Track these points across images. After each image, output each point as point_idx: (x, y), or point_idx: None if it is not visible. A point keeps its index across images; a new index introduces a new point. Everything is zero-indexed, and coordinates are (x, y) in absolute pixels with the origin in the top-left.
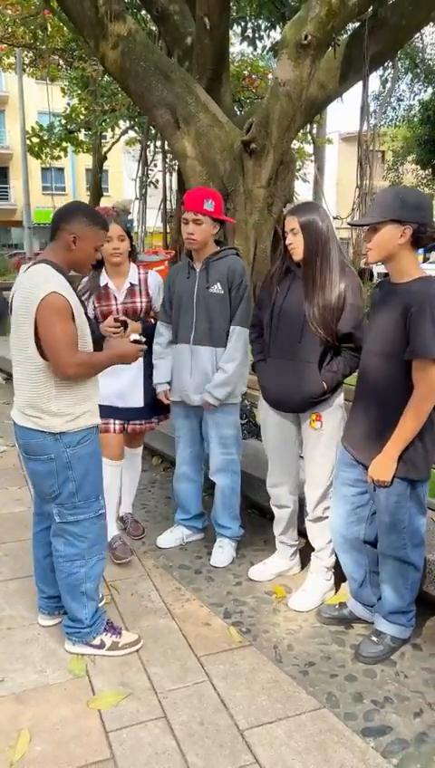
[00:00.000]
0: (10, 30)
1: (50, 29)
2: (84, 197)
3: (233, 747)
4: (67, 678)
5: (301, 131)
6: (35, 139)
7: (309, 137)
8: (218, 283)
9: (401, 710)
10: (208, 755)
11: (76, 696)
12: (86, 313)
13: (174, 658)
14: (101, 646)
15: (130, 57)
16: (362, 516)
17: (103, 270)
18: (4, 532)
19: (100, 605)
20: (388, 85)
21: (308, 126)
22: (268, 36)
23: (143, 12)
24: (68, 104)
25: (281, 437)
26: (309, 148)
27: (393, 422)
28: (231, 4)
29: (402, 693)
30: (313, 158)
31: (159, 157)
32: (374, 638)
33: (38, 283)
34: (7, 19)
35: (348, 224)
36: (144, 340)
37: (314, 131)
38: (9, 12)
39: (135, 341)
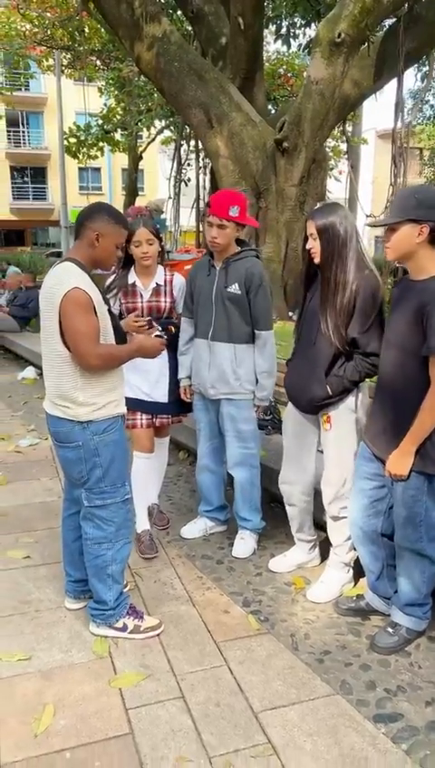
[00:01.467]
0: (49, 32)
1: (87, 31)
2: (120, 197)
3: (247, 728)
4: (91, 658)
5: (335, 129)
6: (73, 140)
7: (343, 135)
8: (236, 284)
9: (413, 699)
10: (223, 734)
11: (99, 674)
12: (110, 311)
13: (193, 643)
14: (124, 629)
15: (164, 58)
16: (379, 510)
17: (133, 269)
18: (35, 520)
19: (124, 590)
20: (424, 82)
21: (342, 124)
22: (304, 34)
23: (179, 12)
24: (105, 104)
25: (299, 436)
26: (344, 146)
27: (410, 417)
28: (265, 3)
29: (415, 682)
30: (350, 155)
31: (193, 156)
32: (390, 630)
33: (61, 279)
34: (46, 22)
35: (366, 224)
36: (166, 336)
37: (350, 129)
38: (48, 14)
39: (158, 336)
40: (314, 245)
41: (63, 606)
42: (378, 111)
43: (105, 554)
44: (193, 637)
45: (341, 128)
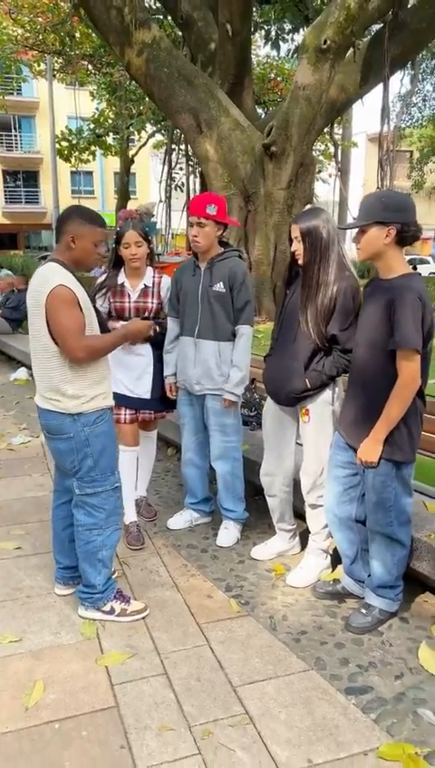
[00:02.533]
0: (41, 37)
1: (78, 35)
2: (112, 200)
3: (226, 700)
4: (79, 640)
5: (323, 133)
6: (65, 144)
7: (331, 138)
8: (221, 283)
9: (384, 673)
10: (203, 706)
11: (86, 654)
12: (95, 307)
13: (177, 625)
14: (111, 612)
15: (154, 63)
16: (353, 496)
17: (123, 270)
18: (27, 513)
19: (113, 576)
20: (409, 86)
21: (329, 127)
22: (292, 39)
23: (169, 17)
24: (97, 109)
25: (278, 429)
26: (338, 151)
27: (380, 408)
28: (254, 9)
29: (386, 659)
30: (337, 159)
31: (184, 160)
32: (363, 611)
33: (47, 278)
34: (38, 26)
35: (338, 227)
36: (154, 317)
37: (340, 133)
38: (40, 20)
39: (145, 318)
40: (298, 248)
41: (53, 592)
42: (368, 115)
43: (96, 540)
44: (177, 619)
45: (329, 132)
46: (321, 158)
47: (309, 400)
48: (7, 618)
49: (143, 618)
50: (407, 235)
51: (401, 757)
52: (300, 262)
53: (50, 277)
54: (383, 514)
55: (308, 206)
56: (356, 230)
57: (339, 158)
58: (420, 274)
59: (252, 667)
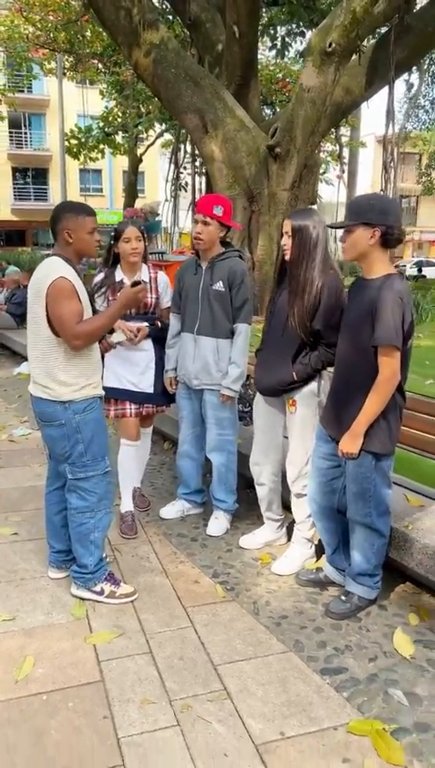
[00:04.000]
0: (52, 35)
1: (89, 34)
2: (121, 198)
3: (206, 677)
4: (69, 620)
5: (331, 134)
6: (74, 141)
7: (336, 140)
8: (221, 282)
9: (359, 656)
10: (184, 682)
11: (76, 633)
12: (92, 302)
13: (164, 608)
14: (101, 593)
15: (161, 64)
16: (335, 488)
17: (119, 267)
18: (24, 501)
19: (105, 559)
20: (414, 89)
21: (335, 130)
22: (300, 42)
23: (178, 17)
24: (106, 107)
25: (267, 421)
26: (343, 152)
27: (361, 402)
28: (261, 12)
29: (362, 643)
30: (341, 160)
31: (190, 160)
32: (343, 597)
33: (49, 271)
34: (49, 25)
35: (327, 226)
36: (143, 280)
37: (348, 134)
38: (51, 18)
39: (134, 283)
40: (288, 243)
41: (47, 576)
42: (378, 117)
43: (88, 522)
44: (164, 602)
45: (339, 133)
46: (329, 159)
47: (297, 391)
48: (2, 598)
49: (132, 601)
50: (391, 237)
51: (370, 732)
52: (287, 257)
53: (52, 269)
54: (363, 505)
55: (305, 207)
56: (343, 230)
57: (344, 160)
58: (402, 275)
59: (233, 648)
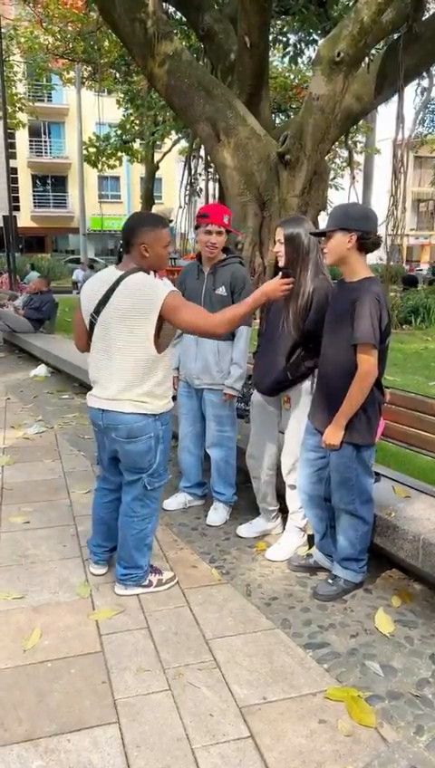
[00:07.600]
0: (71, 46)
1: (107, 43)
2: (138, 205)
3: (197, 650)
4: (75, 599)
5: (345, 140)
6: (92, 149)
7: (347, 146)
8: (223, 287)
9: (341, 633)
10: (177, 654)
11: (80, 610)
12: None
13: None
14: (150, 584)
15: (175, 75)
16: (322, 477)
17: None
18: (37, 494)
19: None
20: (425, 95)
21: (345, 136)
22: (313, 49)
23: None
24: (123, 116)
25: (263, 417)
26: (359, 158)
27: (343, 397)
28: (273, 21)
29: (345, 622)
30: (352, 166)
31: (203, 167)
32: (330, 581)
33: (154, 287)
34: (68, 36)
35: (310, 233)
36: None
37: (363, 141)
38: (70, 28)
39: (285, 274)
40: (281, 250)
41: (54, 560)
42: (393, 122)
43: (147, 527)
44: None
45: (345, 140)
46: (344, 164)
47: (290, 389)
48: (13, 579)
49: (176, 583)
50: (367, 241)
51: (345, 698)
52: (280, 263)
53: (156, 285)
54: (346, 493)
55: (308, 213)
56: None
57: (353, 167)
58: (379, 278)
59: (224, 625)
